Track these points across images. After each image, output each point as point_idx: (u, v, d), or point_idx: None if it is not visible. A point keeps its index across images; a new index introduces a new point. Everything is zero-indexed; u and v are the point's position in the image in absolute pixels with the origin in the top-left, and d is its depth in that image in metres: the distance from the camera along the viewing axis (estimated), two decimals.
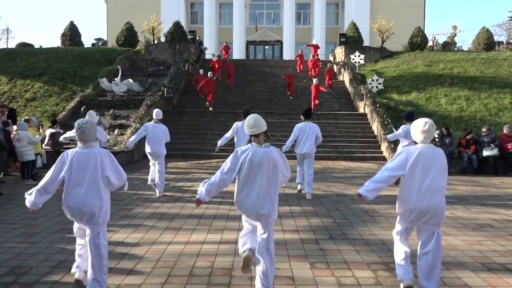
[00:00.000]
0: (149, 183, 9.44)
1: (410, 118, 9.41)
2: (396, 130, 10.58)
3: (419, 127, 3.99)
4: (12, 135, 11.56)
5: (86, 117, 9.71)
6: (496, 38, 35.52)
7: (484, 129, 13.94)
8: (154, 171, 9.21)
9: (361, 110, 18.99)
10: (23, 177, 10.81)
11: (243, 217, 4.18)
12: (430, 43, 30.29)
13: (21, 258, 5.15)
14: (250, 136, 4.01)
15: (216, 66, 23.15)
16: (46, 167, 12.84)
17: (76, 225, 4.15)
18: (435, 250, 3.96)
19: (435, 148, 4.06)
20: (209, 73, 19.76)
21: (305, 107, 12.57)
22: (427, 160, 3.95)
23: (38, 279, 4.50)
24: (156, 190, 9.10)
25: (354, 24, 28.73)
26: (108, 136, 12.51)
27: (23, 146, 10.87)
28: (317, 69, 23.21)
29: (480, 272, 4.76)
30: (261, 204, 3.91)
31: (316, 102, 18.90)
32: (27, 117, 13.78)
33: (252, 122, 3.96)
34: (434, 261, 3.95)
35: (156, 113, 9.42)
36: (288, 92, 20.85)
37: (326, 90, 19.24)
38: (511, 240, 6.07)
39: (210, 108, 19.02)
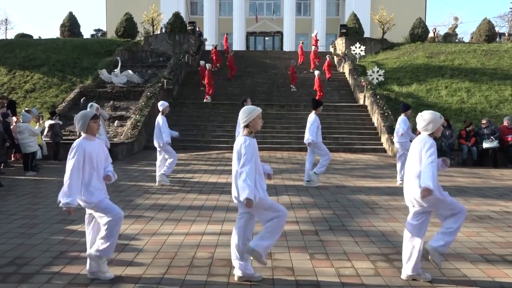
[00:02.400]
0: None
1: (406, 109, 9.80)
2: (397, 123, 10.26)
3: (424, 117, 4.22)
4: (12, 127, 11.56)
5: (88, 109, 9.72)
6: (497, 30, 35.39)
7: (484, 121, 13.91)
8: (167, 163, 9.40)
9: (361, 102, 18.95)
10: (26, 169, 10.81)
11: None
12: (431, 34, 30.13)
13: (22, 248, 5.17)
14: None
15: (214, 57, 23.07)
16: (47, 158, 12.86)
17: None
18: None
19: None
20: (206, 64, 19.69)
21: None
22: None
23: (39, 269, 4.52)
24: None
25: (355, 15, 28.58)
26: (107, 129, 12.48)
27: (26, 137, 10.85)
28: (317, 60, 23.17)
29: (479, 263, 4.78)
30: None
31: (321, 94, 18.79)
32: (27, 109, 13.77)
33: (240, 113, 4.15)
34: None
35: (159, 104, 9.47)
36: (292, 85, 20.67)
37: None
38: (510, 231, 6.08)
39: (205, 100, 18.87)
